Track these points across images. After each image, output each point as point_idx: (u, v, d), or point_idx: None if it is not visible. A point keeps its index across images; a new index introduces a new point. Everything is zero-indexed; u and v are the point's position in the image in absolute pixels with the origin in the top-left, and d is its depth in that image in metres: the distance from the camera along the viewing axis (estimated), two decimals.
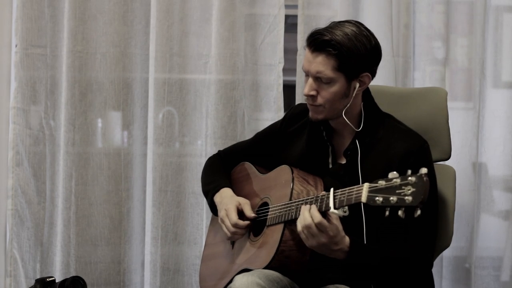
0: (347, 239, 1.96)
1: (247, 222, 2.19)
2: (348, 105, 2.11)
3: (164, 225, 3.02)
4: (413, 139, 2.13)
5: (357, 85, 2.10)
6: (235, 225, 2.19)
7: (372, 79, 2.15)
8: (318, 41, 2.06)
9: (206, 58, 3.01)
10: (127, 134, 3.07)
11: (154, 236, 3.01)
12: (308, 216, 1.92)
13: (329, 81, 2.07)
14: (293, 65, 3.03)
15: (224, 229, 2.23)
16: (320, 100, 2.10)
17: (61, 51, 3.01)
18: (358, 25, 2.10)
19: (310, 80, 2.09)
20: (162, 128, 3.01)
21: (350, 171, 2.11)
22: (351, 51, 2.05)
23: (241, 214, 2.22)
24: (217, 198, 2.31)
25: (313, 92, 2.10)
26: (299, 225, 1.94)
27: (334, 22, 2.13)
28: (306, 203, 1.99)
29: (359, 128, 2.14)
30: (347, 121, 2.13)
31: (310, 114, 2.16)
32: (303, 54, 2.95)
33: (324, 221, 1.91)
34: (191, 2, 3.01)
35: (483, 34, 2.95)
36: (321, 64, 2.06)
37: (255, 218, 2.20)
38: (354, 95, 2.11)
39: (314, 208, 1.93)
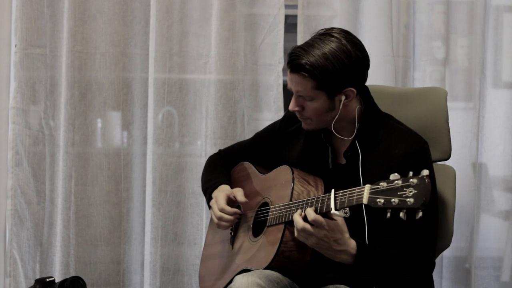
0: (352, 241, 1.96)
1: (234, 209, 2.20)
2: (337, 116, 2.11)
3: (164, 225, 3.02)
4: (413, 139, 2.13)
5: (343, 97, 2.09)
6: (222, 210, 2.20)
7: (364, 84, 2.14)
8: (294, 64, 2.06)
9: (206, 58, 3.01)
10: (127, 134, 3.07)
11: (154, 236, 3.00)
12: (298, 219, 1.94)
13: (311, 99, 2.09)
14: None
15: (212, 216, 2.24)
16: (306, 114, 2.12)
17: (61, 51, 3.01)
18: (341, 37, 2.05)
19: (294, 96, 2.12)
20: (162, 128, 3.01)
21: (350, 171, 2.11)
22: (327, 71, 2.02)
23: (232, 204, 2.23)
24: (215, 194, 2.30)
25: (297, 108, 2.12)
26: (295, 231, 1.96)
27: (320, 32, 2.09)
28: (305, 205, 1.99)
29: (355, 133, 2.14)
30: (335, 132, 2.14)
31: (302, 124, 2.19)
32: None
33: (319, 217, 1.91)
34: (191, 2, 3.01)
35: (483, 34, 2.95)
36: (300, 84, 2.07)
37: (246, 203, 2.22)
38: (341, 107, 2.10)
39: (298, 214, 1.97)
